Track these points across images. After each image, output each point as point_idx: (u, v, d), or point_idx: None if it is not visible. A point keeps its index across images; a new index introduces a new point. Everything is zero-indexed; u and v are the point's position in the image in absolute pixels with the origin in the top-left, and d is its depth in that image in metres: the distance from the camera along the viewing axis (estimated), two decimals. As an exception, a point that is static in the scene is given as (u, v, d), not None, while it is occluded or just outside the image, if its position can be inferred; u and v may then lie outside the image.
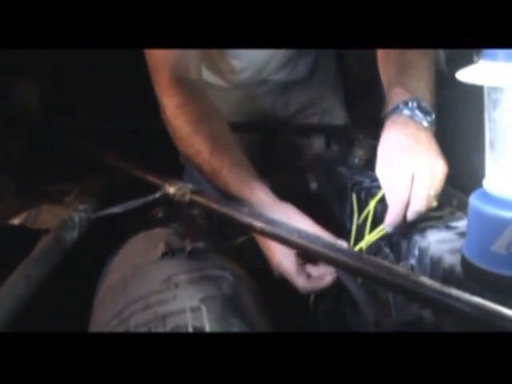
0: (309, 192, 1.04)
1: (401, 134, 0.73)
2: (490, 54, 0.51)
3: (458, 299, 0.49)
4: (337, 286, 0.73)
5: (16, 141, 1.06)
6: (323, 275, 0.73)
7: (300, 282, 0.73)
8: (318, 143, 1.24)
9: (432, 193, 0.68)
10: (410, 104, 0.75)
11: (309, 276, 0.74)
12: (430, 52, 0.85)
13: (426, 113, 0.75)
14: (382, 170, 0.72)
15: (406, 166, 0.69)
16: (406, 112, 0.75)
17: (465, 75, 0.53)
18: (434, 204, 0.71)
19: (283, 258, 0.73)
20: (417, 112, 0.75)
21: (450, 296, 0.49)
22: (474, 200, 0.57)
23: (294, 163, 1.22)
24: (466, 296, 0.49)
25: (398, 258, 0.74)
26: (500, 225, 0.54)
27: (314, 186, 1.05)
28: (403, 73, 0.83)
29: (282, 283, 0.76)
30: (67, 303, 0.79)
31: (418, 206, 0.68)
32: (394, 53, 0.86)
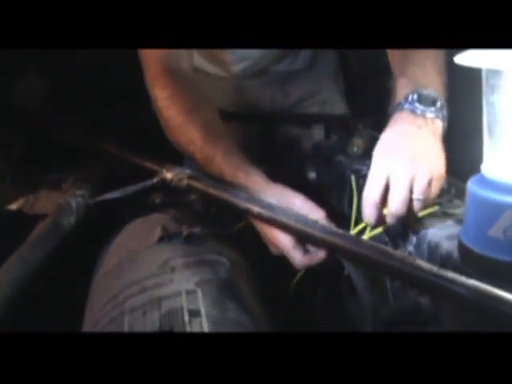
0: (308, 181, 1.04)
1: (395, 136, 0.72)
2: (488, 36, 0.51)
3: (453, 282, 0.49)
4: (335, 270, 0.73)
5: (17, 138, 1.06)
6: (319, 250, 0.73)
7: (296, 256, 0.73)
8: (317, 133, 1.24)
9: (420, 197, 0.67)
10: (410, 97, 0.74)
11: (306, 251, 0.73)
12: None
13: (429, 102, 0.74)
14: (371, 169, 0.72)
15: (381, 168, 0.69)
16: (407, 107, 0.74)
17: (463, 59, 0.53)
18: (421, 214, 0.70)
19: (281, 233, 0.73)
20: (417, 105, 0.74)
21: (446, 279, 0.49)
22: (471, 185, 0.57)
23: (293, 153, 1.22)
24: (462, 279, 0.49)
25: (396, 245, 0.73)
26: (497, 209, 0.54)
27: (312, 175, 1.05)
28: (407, 59, 0.82)
29: (279, 269, 0.75)
30: (64, 288, 0.79)
31: (393, 208, 0.68)
32: None
